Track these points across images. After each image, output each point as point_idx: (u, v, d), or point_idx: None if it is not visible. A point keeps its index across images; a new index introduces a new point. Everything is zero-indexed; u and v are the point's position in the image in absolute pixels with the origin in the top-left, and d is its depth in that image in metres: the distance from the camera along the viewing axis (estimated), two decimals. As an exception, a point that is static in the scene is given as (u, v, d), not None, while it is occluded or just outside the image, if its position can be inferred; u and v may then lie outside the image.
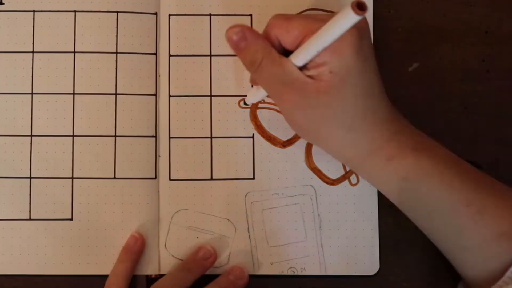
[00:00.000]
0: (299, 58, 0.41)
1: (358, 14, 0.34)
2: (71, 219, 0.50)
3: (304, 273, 0.50)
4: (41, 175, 0.50)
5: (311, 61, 0.40)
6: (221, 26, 0.51)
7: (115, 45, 0.51)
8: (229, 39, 0.43)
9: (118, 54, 0.51)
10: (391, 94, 0.51)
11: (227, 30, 0.42)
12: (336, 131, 0.42)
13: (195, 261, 0.49)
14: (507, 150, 0.51)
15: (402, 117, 0.44)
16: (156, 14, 0.51)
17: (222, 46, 0.51)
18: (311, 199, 0.50)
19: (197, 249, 0.49)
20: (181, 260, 0.49)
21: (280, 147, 0.50)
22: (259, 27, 0.51)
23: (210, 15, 0.51)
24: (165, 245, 0.50)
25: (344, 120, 0.41)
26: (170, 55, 0.51)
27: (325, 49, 0.39)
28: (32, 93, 0.50)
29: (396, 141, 0.42)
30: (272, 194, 0.50)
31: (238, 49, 0.43)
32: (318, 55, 0.40)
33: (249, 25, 0.51)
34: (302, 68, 0.41)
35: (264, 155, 0.50)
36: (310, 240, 0.50)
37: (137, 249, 0.49)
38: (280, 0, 0.51)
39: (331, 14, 0.36)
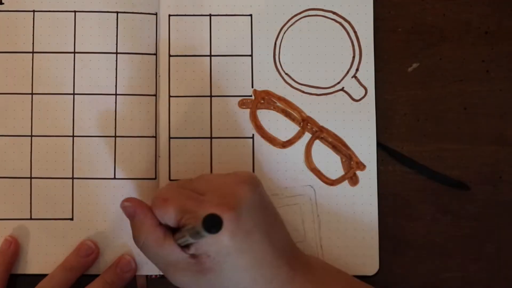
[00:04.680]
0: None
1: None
2: (72, 219, 0.50)
3: (304, 273, 0.50)
4: (41, 175, 0.50)
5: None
6: (221, 26, 0.51)
7: (115, 45, 0.51)
8: (123, 211, 0.44)
9: (118, 55, 0.51)
10: (391, 94, 0.51)
11: (122, 201, 0.44)
12: None
13: (77, 260, 0.48)
14: (507, 150, 0.51)
15: (306, 271, 0.43)
16: (156, 14, 0.51)
17: (222, 46, 0.51)
18: (310, 199, 0.50)
19: (78, 246, 0.49)
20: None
21: (280, 147, 0.50)
22: (259, 27, 0.51)
23: (210, 15, 0.51)
24: (165, 245, 0.50)
25: None
26: (170, 56, 0.51)
27: None
28: (32, 93, 0.50)
29: None
30: (272, 195, 0.50)
31: (130, 222, 0.44)
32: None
33: (249, 25, 0.51)
34: (186, 246, 0.41)
35: (264, 156, 0.50)
36: (310, 241, 0.50)
37: (11, 251, 0.49)
38: (280, 0, 0.51)
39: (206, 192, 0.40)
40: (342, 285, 0.45)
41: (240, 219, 0.40)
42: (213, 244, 0.40)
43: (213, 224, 0.32)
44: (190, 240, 0.39)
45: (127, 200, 0.44)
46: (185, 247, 0.41)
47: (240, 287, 0.42)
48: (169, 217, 0.41)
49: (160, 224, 0.42)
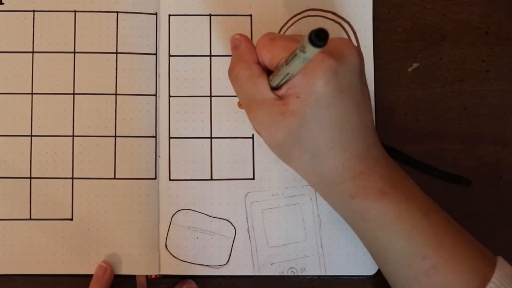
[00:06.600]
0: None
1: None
2: (71, 219, 0.50)
3: (304, 273, 0.50)
4: (41, 175, 0.50)
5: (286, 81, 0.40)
6: (221, 26, 0.51)
7: (115, 45, 0.51)
8: (230, 43, 0.45)
9: (118, 54, 0.51)
10: (391, 94, 0.51)
11: (233, 34, 0.45)
12: (299, 155, 0.41)
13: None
14: (507, 150, 0.51)
15: (381, 155, 0.43)
16: (156, 14, 0.51)
17: (222, 46, 0.51)
18: (311, 199, 0.50)
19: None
20: (182, 260, 0.49)
21: (280, 147, 0.50)
22: (259, 27, 0.51)
23: (210, 15, 0.51)
24: (165, 245, 0.50)
25: (307, 147, 0.41)
26: (170, 55, 0.51)
27: (297, 73, 0.39)
28: (32, 93, 0.50)
29: (361, 180, 0.41)
30: (272, 195, 0.50)
31: (232, 53, 0.45)
32: (290, 78, 0.39)
33: (249, 25, 0.51)
34: (277, 86, 0.41)
35: (264, 155, 0.50)
36: (310, 240, 0.50)
37: (106, 278, 0.49)
38: (280, 0, 0.51)
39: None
40: (410, 183, 0.43)
41: (339, 72, 0.39)
42: (306, 86, 0.39)
43: (319, 36, 0.32)
44: (290, 69, 0.38)
45: (239, 34, 0.45)
46: (276, 89, 0.40)
47: (315, 143, 0.40)
48: (272, 55, 0.41)
49: (259, 63, 0.43)
